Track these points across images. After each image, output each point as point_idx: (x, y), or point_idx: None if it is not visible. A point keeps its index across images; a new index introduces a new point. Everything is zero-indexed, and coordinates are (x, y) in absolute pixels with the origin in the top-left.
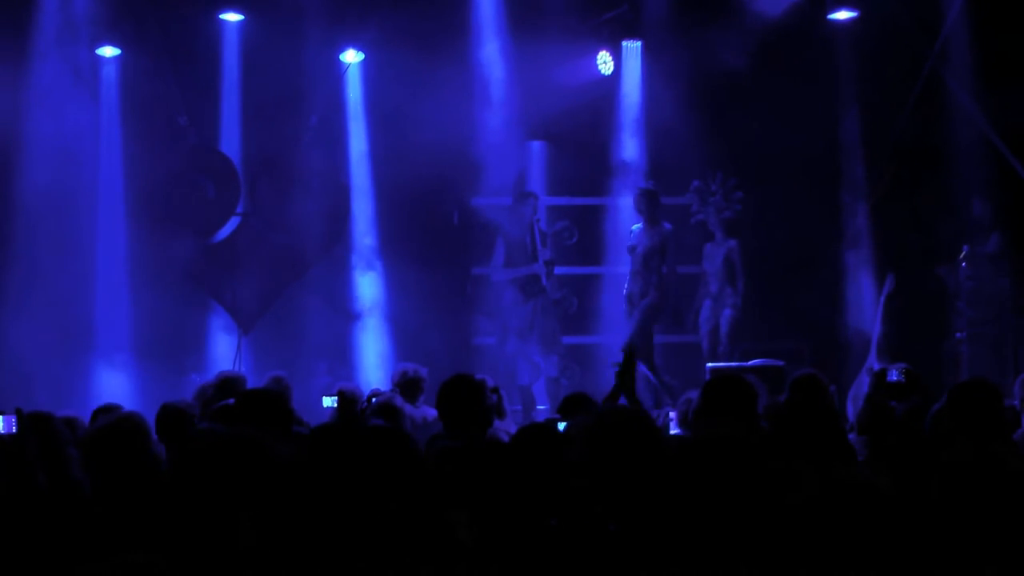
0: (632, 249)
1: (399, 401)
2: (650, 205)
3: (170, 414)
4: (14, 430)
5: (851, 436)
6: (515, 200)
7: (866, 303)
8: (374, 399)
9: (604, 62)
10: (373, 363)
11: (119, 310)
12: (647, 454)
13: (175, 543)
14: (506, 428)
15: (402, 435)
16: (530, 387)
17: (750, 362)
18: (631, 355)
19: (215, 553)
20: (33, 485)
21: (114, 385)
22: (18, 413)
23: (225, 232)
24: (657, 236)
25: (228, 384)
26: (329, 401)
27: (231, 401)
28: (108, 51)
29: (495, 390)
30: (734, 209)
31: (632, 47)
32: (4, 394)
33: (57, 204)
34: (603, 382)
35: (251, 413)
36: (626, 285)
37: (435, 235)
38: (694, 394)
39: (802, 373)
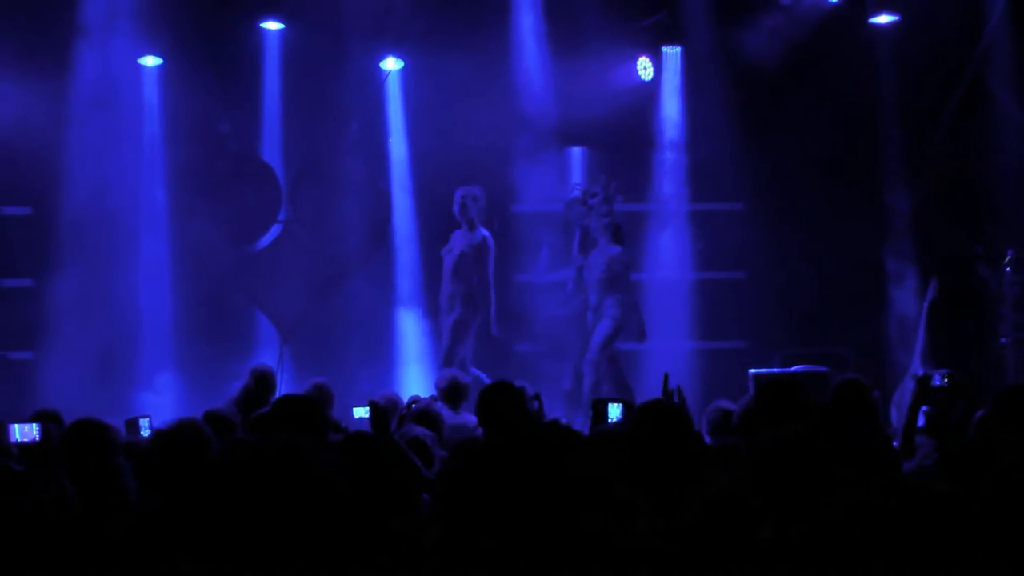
0: (447, 253)
1: (438, 407)
2: (467, 208)
3: (213, 421)
4: (38, 438)
5: (918, 439)
6: (570, 202)
7: (909, 308)
8: (413, 405)
9: (644, 68)
10: (415, 370)
11: (163, 318)
12: (681, 440)
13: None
14: None
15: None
16: (571, 393)
17: (793, 368)
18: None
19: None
20: (59, 491)
21: (159, 391)
22: (43, 424)
23: (267, 240)
24: (467, 242)
25: (263, 378)
26: (361, 412)
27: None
28: (150, 61)
29: (536, 396)
30: (615, 215)
31: (672, 53)
32: (50, 403)
33: (100, 214)
34: (645, 388)
35: (286, 419)
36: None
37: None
38: (724, 403)
39: (845, 378)
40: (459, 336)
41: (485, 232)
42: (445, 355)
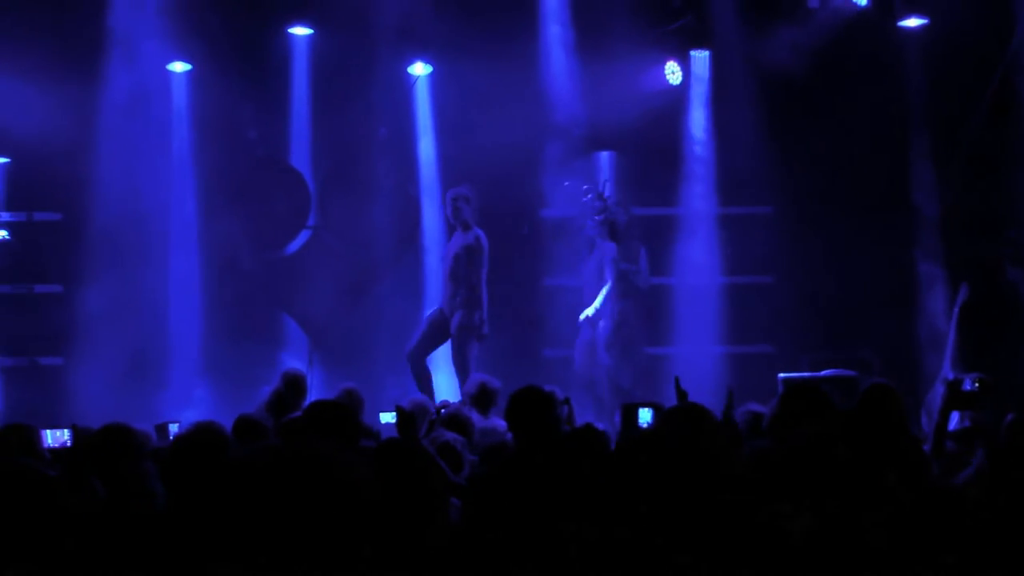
0: (444, 257)
1: (467, 412)
2: (460, 210)
3: (246, 426)
4: (69, 444)
5: (949, 444)
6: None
7: (939, 312)
8: (443, 410)
9: (672, 72)
10: (444, 375)
11: (192, 323)
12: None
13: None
14: None
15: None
16: (604, 398)
17: (822, 372)
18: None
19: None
20: (91, 496)
21: (187, 399)
22: (74, 428)
23: (296, 245)
24: (461, 243)
25: (294, 383)
26: (388, 417)
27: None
28: (178, 66)
29: (566, 401)
30: (610, 212)
31: (700, 57)
32: (80, 408)
33: (130, 219)
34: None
35: (319, 425)
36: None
37: (504, 246)
38: (754, 406)
39: (873, 382)
40: (464, 339)
41: (478, 232)
42: (455, 360)
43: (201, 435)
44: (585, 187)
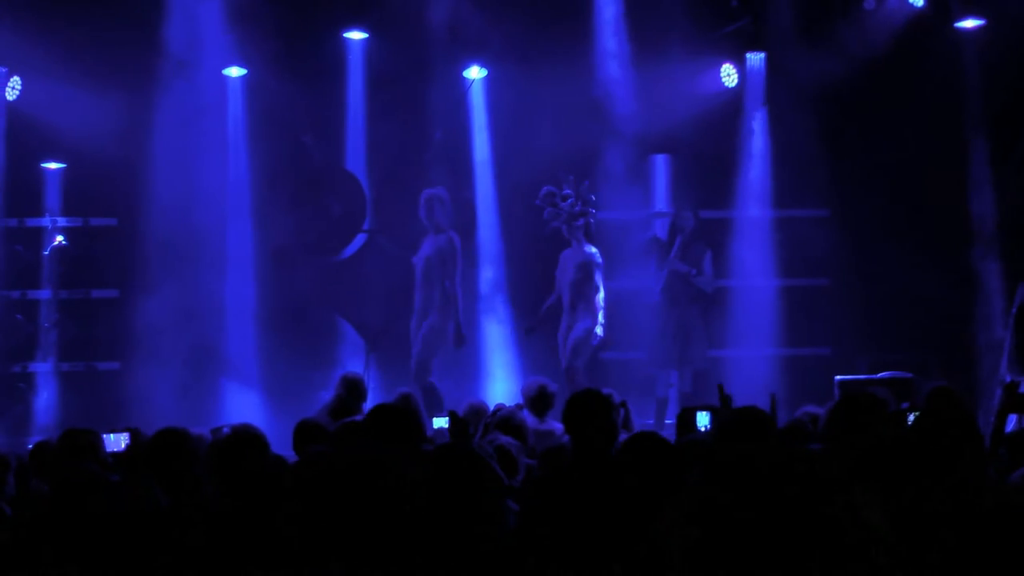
0: (418, 259)
1: (523, 415)
2: (434, 211)
3: (307, 430)
4: (125, 448)
5: (1001, 451)
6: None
7: (996, 314)
8: (498, 413)
9: (728, 75)
10: (500, 378)
11: (247, 327)
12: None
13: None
14: None
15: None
16: (665, 400)
17: (879, 374)
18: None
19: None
20: (150, 499)
21: (244, 403)
22: (131, 432)
23: (352, 249)
24: (433, 246)
25: (354, 386)
26: (440, 422)
27: (358, 417)
28: (234, 71)
29: (622, 404)
30: (589, 214)
31: (756, 59)
32: (137, 413)
33: (185, 224)
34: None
35: (379, 430)
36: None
37: (558, 250)
38: (812, 408)
39: (935, 385)
40: (432, 343)
41: (451, 234)
42: (416, 362)
43: (238, 440)
44: (566, 191)
